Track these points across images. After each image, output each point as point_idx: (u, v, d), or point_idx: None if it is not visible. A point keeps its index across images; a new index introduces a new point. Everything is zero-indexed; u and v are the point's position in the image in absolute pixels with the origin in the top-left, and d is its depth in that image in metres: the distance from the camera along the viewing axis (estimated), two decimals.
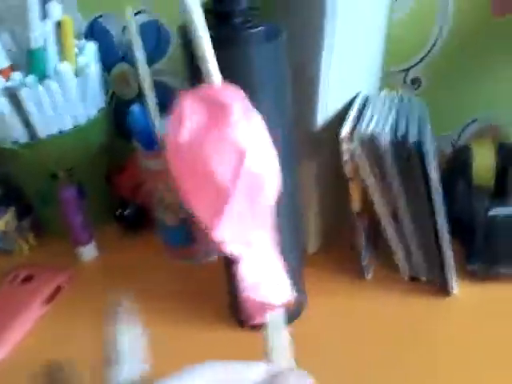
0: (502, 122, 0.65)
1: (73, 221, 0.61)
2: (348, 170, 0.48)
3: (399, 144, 0.45)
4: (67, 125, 0.61)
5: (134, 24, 0.50)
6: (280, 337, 0.26)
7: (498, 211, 0.48)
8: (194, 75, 0.40)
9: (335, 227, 0.59)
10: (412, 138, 0.45)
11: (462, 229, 0.52)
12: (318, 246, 0.58)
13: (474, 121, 0.66)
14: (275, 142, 0.40)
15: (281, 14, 0.41)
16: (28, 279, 0.59)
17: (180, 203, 0.55)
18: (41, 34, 0.58)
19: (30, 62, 0.59)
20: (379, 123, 0.47)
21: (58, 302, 0.58)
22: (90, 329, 0.51)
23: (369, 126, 0.46)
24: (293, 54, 0.45)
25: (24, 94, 0.56)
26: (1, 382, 0.49)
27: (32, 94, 0.57)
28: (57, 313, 0.56)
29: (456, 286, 0.50)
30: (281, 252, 0.45)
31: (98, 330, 0.50)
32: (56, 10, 0.59)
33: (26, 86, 0.56)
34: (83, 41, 0.64)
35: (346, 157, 0.47)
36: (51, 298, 0.58)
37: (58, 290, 0.59)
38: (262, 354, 0.48)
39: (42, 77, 0.58)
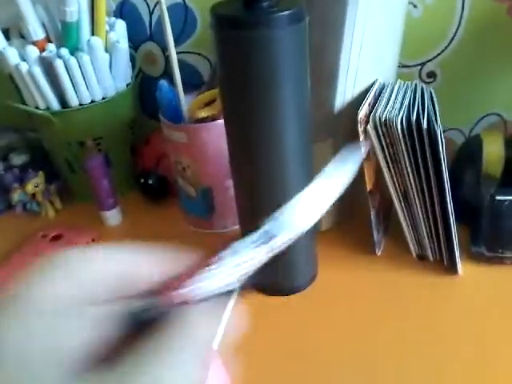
0: None
1: (99, 187, 0.64)
2: (363, 150, 0.50)
3: (412, 128, 0.47)
4: (97, 96, 0.63)
5: (164, 4, 0.52)
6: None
7: (504, 196, 0.50)
8: (222, 55, 0.43)
9: (348, 205, 0.61)
10: (424, 123, 0.47)
11: (469, 213, 0.54)
12: (331, 224, 0.60)
13: (486, 115, 0.67)
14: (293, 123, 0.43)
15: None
16: (57, 238, 0.63)
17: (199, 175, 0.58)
18: (75, 9, 0.60)
19: (64, 34, 0.62)
20: (394, 108, 0.49)
21: None
22: None
23: (384, 110, 0.49)
24: (315, 38, 0.47)
25: (58, 65, 0.59)
26: None
27: (65, 65, 0.59)
28: None
29: (461, 266, 0.52)
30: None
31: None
32: None
33: (59, 57, 0.59)
34: (113, 18, 0.66)
35: (361, 138, 0.49)
36: None
37: None
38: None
39: (75, 49, 0.61)
